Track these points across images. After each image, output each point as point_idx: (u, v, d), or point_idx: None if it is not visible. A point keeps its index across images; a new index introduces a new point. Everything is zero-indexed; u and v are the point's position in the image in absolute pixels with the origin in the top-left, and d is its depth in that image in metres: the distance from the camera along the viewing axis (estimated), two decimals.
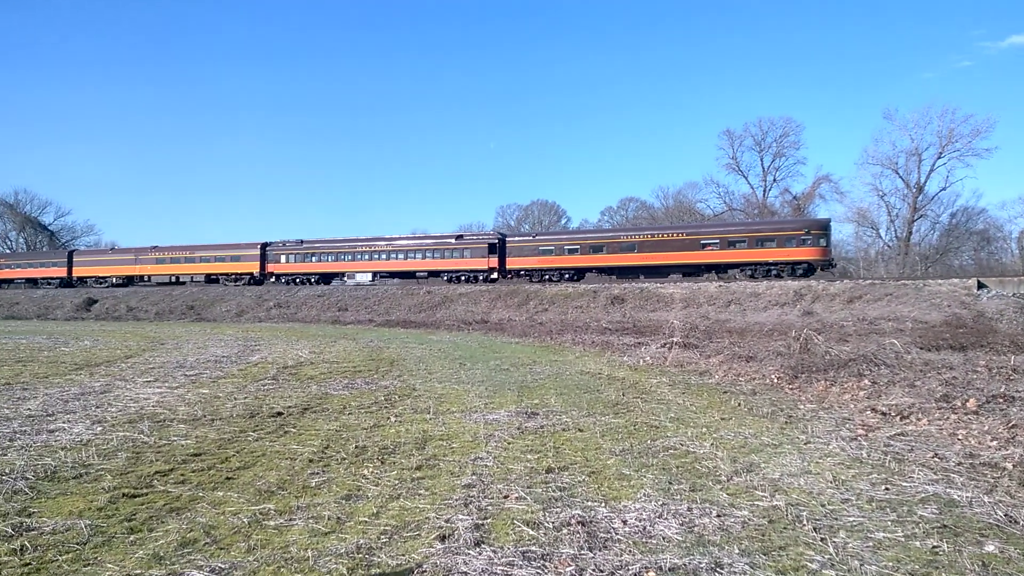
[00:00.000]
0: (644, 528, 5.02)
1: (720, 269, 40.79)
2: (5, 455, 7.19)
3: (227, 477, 6.41)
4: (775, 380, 12.66)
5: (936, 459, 6.97)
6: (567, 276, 44.61)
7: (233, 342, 23.62)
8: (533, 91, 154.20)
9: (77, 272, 61.84)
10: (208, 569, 4.30)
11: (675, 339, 19.42)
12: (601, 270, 44.67)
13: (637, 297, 35.98)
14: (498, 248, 47.03)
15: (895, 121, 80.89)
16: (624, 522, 5.14)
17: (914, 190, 62.53)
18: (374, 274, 52.30)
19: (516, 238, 48.82)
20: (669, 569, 4.29)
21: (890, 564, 4.40)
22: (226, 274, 56.12)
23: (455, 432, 8.52)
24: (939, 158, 60.64)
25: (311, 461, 7.02)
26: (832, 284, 32.61)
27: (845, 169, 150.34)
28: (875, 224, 66.86)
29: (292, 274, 53.55)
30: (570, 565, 4.36)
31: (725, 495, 5.83)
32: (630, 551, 4.59)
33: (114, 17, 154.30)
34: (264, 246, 55.04)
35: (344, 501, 5.69)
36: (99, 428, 8.60)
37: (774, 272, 38.52)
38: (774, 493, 5.86)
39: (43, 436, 8.12)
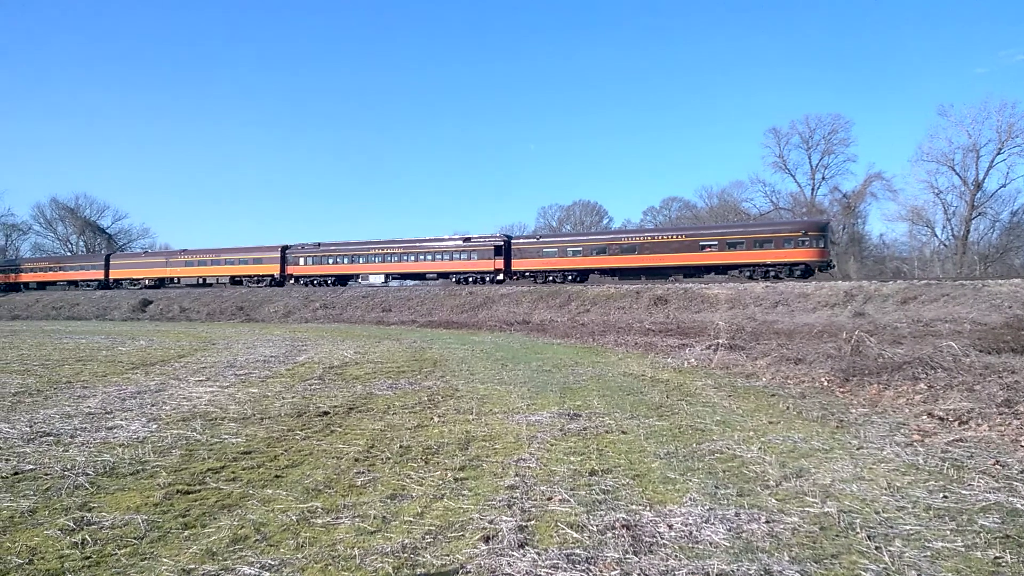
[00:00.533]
0: (690, 533, 4.95)
1: (719, 270, 41.35)
2: (67, 451, 7.45)
3: (276, 475, 6.53)
4: (825, 383, 12.38)
5: (998, 466, 6.72)
6: (570, 278, 45.44)
7: (281, 342, 24.10)
8: (574, 91, 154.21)
9: (113, 275, 64.86)
10: (259, 565, 4.39)
11: (720, 340, 19.11)
12: (603, 271, 45.49)
13: (681, 298, 35.59)
14: (504, 250, 47.84)
15: (950, 117, 77.89)
16: (670, 526, 5.07)
17: (972, 187, 60.50)
18: (386, 276, 54.02)
19: (521, 240, 49.54)
20: (717, 575, 4.23)
21: (950, 575, 4.26)
22: (248, 276, 58.33)
23: (498, 433, 8.54)
24: (998, 154, 58.63)
25: (357, 460, 7.11)
26: (885, 284, 31.78)
27: (897, 167, 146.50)
28: (930, 222, 64.88)
29: (310, 276, 55.39)
30: (615, 569, 4.32)
31: (774, 501, 5.71)
32: (676, 556, 4.53)
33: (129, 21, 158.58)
34: (284, 249, 57.09)
35: (389, 500, 5.75)
36: (154, 426, 8.85)
37: (772, 273, 38.73)
38: (825, 499, 5.73)
39: (102, 433, 8.39)
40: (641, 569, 4.31)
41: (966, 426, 8.59)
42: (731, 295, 34.34)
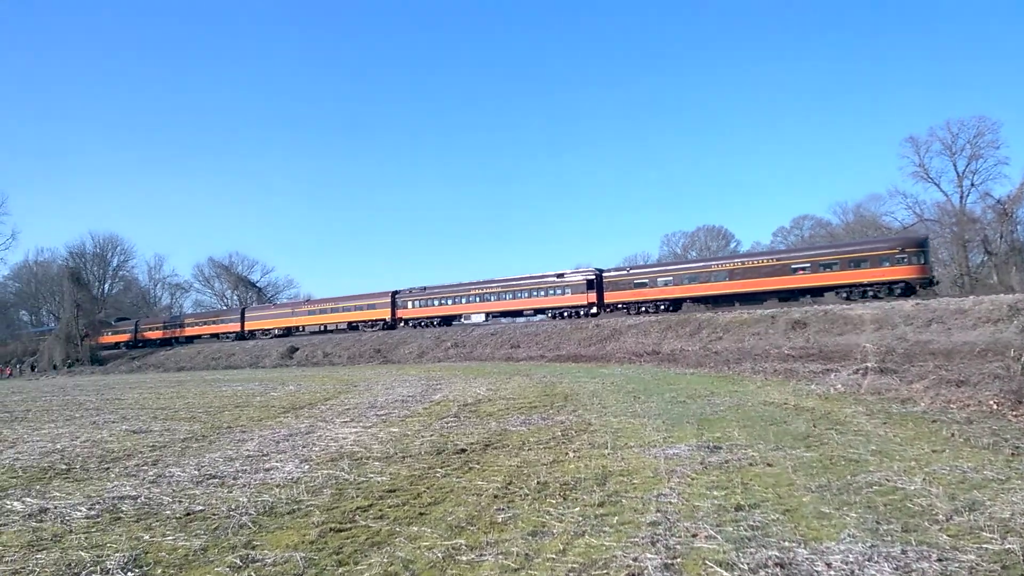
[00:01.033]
0: (852, 572, 4.63)
1: (814, 293, 40.25)
2: (231, 492, 8.01)
3: (420, 512, 6.71)
4: (995, 406, 11.30)
5: None
6: (662, 307, 45.52)
7: (417, 382, 24.91)
8: (696, 112, 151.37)
9: (248, 326, 71.22)
10: None
11: (869, 364, 17.91)
12: (695, 299, 45.20)
13: (821, 320, 33.72)
14: (596, 284, 48.74)
15: None
16: (828, 565, 4.77)
17: None
18: (487, 314, 55.82)
19: (612, 273, 49.84)
20: None
21: None
22: (363, 321, 62.13)
23: (635, 467, 8.38)
24: None
25: (496, 497, 7.19)
26: None
27: None
28: None
29: (418, 318, 58.61)
30: None
31: (945, 537, 5.25)
32: None
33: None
34: (394, 294, 60.71)
35: (530, 537, 5.76)
36: (306, 467, 9.35)
37: (870, 293, 37.23)
38: (1005, 535, 5.20)
39: (260, 475, 8.96)
40: None
41: None
42: (877, 315, 32.16)
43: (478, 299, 55.63)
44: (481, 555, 5.37)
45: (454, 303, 57.04)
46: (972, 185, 64.97)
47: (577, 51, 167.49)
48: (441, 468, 8.84)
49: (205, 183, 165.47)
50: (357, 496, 7.52)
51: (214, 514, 6.99)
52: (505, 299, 54.07)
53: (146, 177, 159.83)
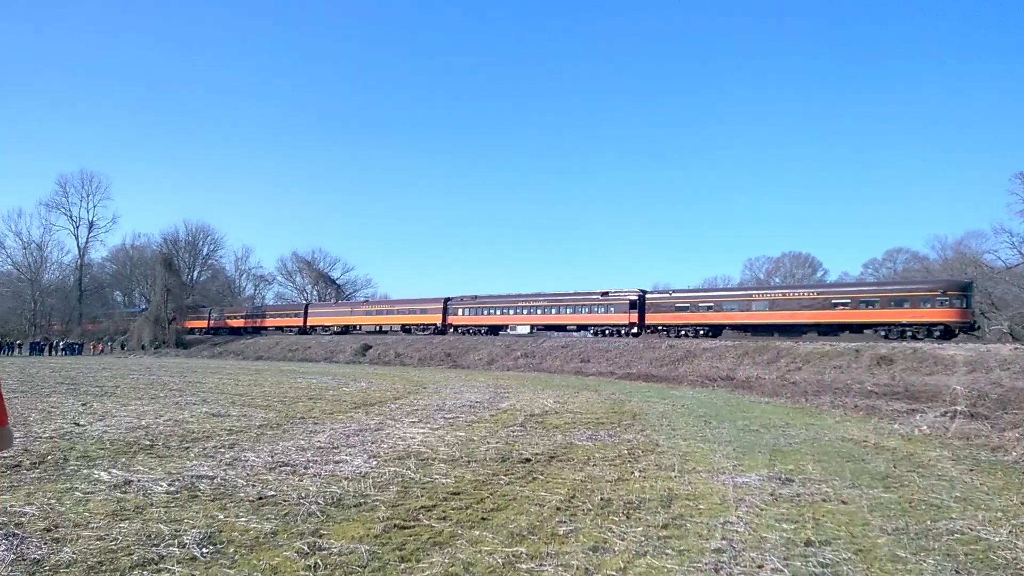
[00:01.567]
0: None
1: (853, 329, 40.34)
2: (301, 481, 8.28)
3: (482, 517, 6.78)
4: None
5: None
6: (702, 332, 45.92)
7: (485, 388, 25.12)
8: (787, 136, 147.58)
9: (310, 322, 73.54)
10: None
11: (958, 407, 17.03)
12: (735, 327, 45.44)
13: (908, 358, 32.20)
14: (639, 305, 49.35)
15: None
16: None
17: None
18: (532, 327, 56.37)
19: (654, 295, 50.48)
20: None
21: None
22: (415, 324, 63.59)
23: (702, 493, 8.22)
24: None
25: (558, 509, 7.18)
26: None
27: None
28: None
29: (466, 325, 59.63)
30: None
31: None
32: None
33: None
34: (446, 300, 61.81)
35: (591, 552, 5.73)
36: (374, 462, 9.57)
37: (909, 334, 37.47)
38: None
39: (330, 466, 9.22)
40: None
41: None
42: (970, 357, 30.49)
43: (525, 311, 56.50)
44: (541, 565, 5.38)
45: (502, 313, 58.11)
46: None
47: (662, 65, 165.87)
48: (505, 476, 8.90)
49: (295, 179, 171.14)
50: (422, 495, 7.65)
51: (285, 500, 7.24)
52: (551, 313, 55.03)
53: (239, 169, 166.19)
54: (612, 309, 50.84)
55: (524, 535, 6.19)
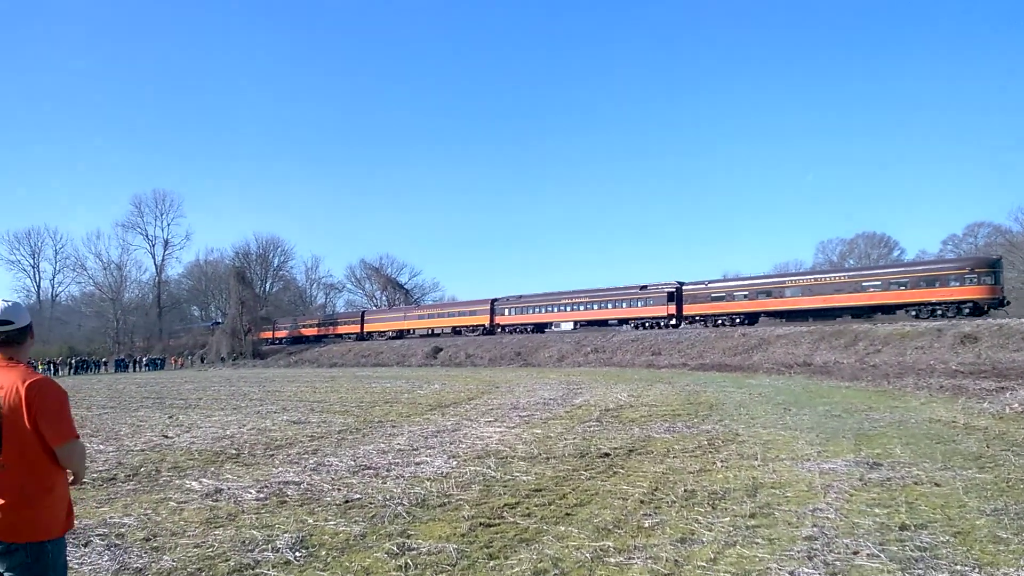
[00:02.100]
0: None
1: (885, 310, 41.24)
2: (385, 483, 8.44)
3: (566, 513, 6.77)
4: None
5: None
6: (738, 320, 46.55)
7: (557, 385, 25.10)
8: (856, 111, 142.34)
9: (367, 328, 76.09)
10: None
11: None
12: (769, 314, 46.22)
13: (994, 335, 30.71)
14: (676, 296, 49.91)
15: None
16: None
17: None
18: (575, 323, 57.33)
19: (691, 286, 50.36)
20: None
21: None
22: (465, 326, 65.69)
23: (787, 480, 8.01)
24: None
25: (642, 502, 7.12)
26: None
27: None
28: None
29: (513, 324, 61.14)
30: None
31: None
32: None
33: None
34: (493, 302, 63.62)
35: (679, 544, 5.65)
36: (454, 462, 9.68)
37: (939, 312, 38.00)
38: None
39: (411, 468, 9.37)
40: None
41: None
42: None
43: (568, 308, 57.66)
44: (630, 558, 5.34)
45: (546, 311, 59.44)
46: None
47: (728, 46, 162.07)
48: (585, 471, 8.87)
49: (360, 188, 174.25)
50: (504, 493, 7.69)
51: (371, 503, 7.38)
52: (591, 309, 55.95)
53: (306, 181, 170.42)
54: (651, 302, 51.60)
55: (610, 529, 6.15)
